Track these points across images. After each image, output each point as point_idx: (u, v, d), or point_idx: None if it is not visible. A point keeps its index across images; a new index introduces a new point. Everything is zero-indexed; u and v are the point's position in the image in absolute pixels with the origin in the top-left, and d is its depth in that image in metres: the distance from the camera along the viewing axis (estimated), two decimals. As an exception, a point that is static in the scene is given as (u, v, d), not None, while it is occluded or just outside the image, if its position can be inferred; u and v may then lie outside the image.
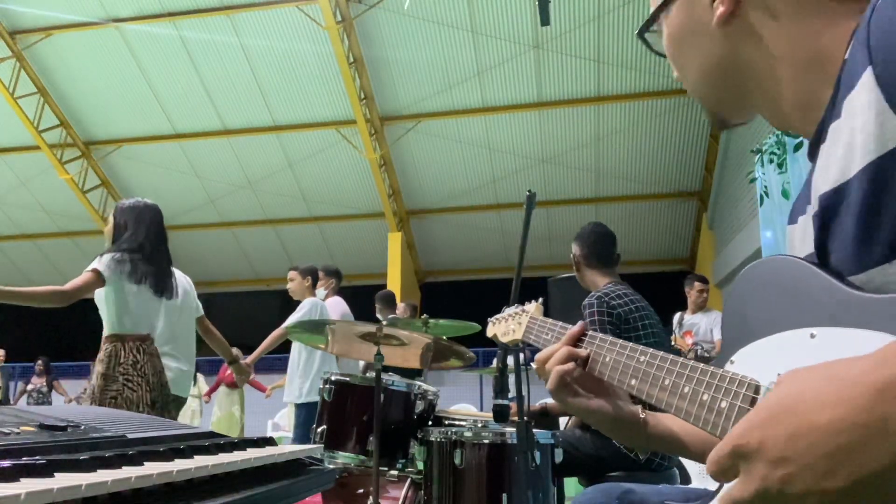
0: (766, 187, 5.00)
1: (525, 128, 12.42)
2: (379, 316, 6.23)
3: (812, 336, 0.67)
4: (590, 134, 12.40)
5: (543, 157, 12.85)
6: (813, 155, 0.75)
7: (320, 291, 5.37)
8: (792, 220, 0.85)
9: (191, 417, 9.32)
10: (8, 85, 12.20)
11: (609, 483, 1.18)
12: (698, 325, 5.78)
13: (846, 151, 0.65)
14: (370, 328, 2.52)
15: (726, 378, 0.74)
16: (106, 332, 3.10)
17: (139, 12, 11.37)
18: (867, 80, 0.61)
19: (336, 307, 5.27)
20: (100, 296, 3.12)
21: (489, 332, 1.35)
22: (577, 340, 1.03)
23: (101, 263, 3.03)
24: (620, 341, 0.95)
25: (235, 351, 4.35)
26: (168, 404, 3.10)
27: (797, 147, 4.31)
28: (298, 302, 4.97)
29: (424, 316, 4.00)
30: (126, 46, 11.83)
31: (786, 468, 0.50)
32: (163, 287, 3.22)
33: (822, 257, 0.73)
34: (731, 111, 0.86)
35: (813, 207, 0.73)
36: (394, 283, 13.52)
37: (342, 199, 14.14)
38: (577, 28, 10.66)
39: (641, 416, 1.04)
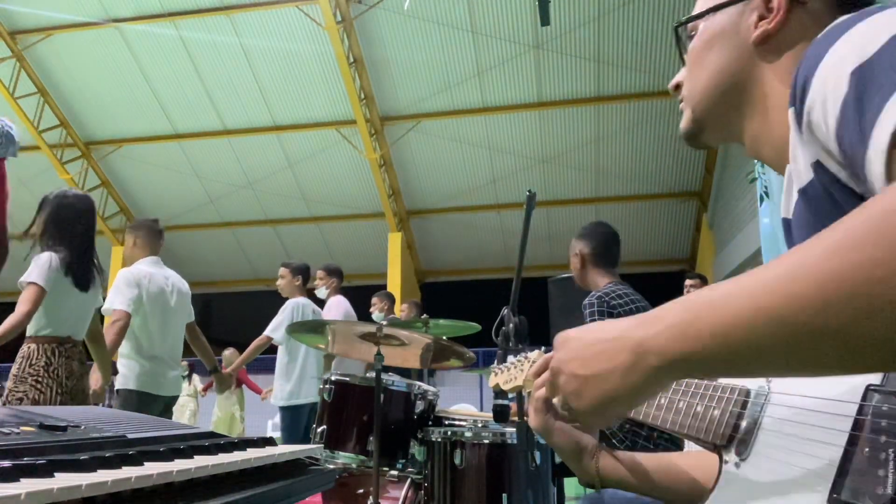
0: (766, 187, 4.98)
1: (525, 128, 12.42)
2: (374, 311, 6.19)
3: None
4: (590, 134, 12.40)
5: (543, 157, 12.86)
6: None
7: (321, 290, 5.32)
8: None
9: (189, 417, 9.30)
10: (8, 85, 12.21)
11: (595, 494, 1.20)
12: None
13: (788, 184, 0.75)
14: (370, 328, 2.52)
15: (718, 388, 0.79)
16: (27, 332, 3.02)
17: (139, 12, 11.37)
18: (790, 118, 0.70)
19: (339, 306, 5.20)
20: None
21: (491, 382, 1.36)
22: None
23: (37, 274, 2.94)
24: None
25: (230, 351, 4.33)
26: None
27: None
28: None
29: (424, 316, 4.00)
30: (126, 46, 11.84)
31: (562, 366, 0.71)
32: (85, 284, 3.11)
33: None
34: (714, 125, 0.91)
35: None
36: (394, 283, 13.52)
37: (342, 199, 14.14)
38: (577, 28, 10.66)
39: (597, 450, 1.10)
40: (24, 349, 2.98)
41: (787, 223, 0.78)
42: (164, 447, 0.84)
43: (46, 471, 0.63)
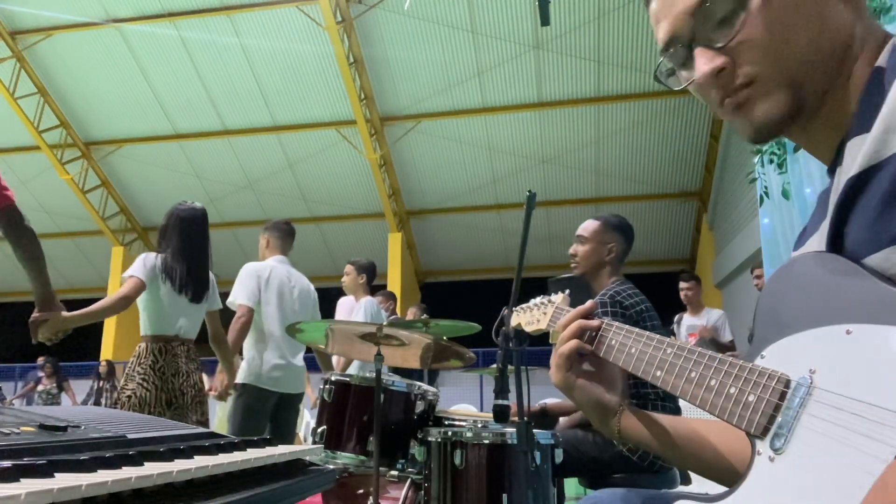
0: (766, 187, 4.98)
1: (525, 128, 12.42)
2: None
3: (848, 332, 0.66)
4: (590, 134, 12.40)
5: (543, 157, 12.86)
6: (833, 172, 0.75)
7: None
8: (799, 244, 0.84)
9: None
10: (8, 85, 12.20)
11: (618, 489, 1.18)
12: (699, 326, 5.76)
13: (877, 138, 0.65)
14: (370, 328, 2.52)
15: (755, 371, 0.74)
16: (141, 332, 3.17)
17: (139, 12, 11.37)
18: None
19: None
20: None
21: (513, 321, 1.35)
22: (588, 316, 1.06)
23: (135, 268, 3.09)
24: (647, 333, 0.95)
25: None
26: (193, 404, 3.11)
27: (797, 148, 4.30)
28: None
29: (425, 316, 4.00)
30: (126, 47, 11.84)
31: None
32: (194, 290, 3.21)
33: (836, 243, 0.73)
34: (815, 103, 0.76)
35: (835, 198, 0.72)
36: (394, 284, 13.52)
37: (342, 200, 14.14)
38: (577, 28, 10.66)
39: (619, 408, 1.04)
40: (136, 349, 3.11)
41: (857, 181, 0.68)
42: (164, 447, 0.84)
43: (46, 471, 0.63)
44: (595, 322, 1.04)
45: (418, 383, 2.66)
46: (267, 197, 14.33)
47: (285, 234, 4.03)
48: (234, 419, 3.59)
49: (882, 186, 0.65)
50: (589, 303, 1.08)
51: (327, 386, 2.62)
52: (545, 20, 8.33)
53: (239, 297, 3.66)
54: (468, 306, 6.07)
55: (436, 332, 3.68)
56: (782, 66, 0.74)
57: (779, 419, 0.71)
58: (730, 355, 0.81)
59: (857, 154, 0.68)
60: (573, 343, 1.03)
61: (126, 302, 3.01)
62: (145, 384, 2.99)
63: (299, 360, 3.82)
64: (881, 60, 0.68)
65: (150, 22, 11.40)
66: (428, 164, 13.41)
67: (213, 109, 12.75)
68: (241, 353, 3.75)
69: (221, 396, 3.53)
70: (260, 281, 3.74)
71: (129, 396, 2.96)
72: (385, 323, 2.85)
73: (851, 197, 0.69)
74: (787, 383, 0.70)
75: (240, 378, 3.66)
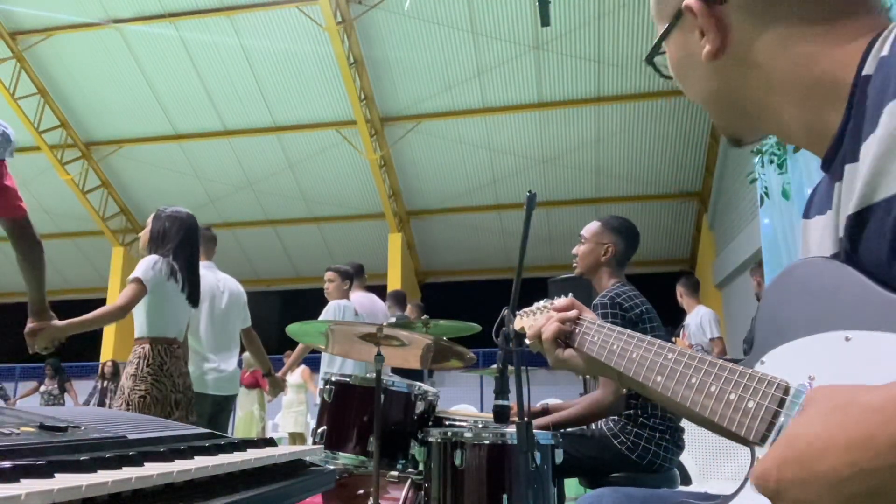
0: (766, 188, 4.99)
1: (525, 128, 12.42)
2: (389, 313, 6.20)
3: (847, 339, 0.66)
4: (590, 134, 12.40)
5: (543, 158, 12.86)
6: (827, 168, 0.75)
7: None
8: (807, 214, 0.83)
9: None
10: (8, 85, 12.21)
11: (617, 488, 1.17)
12: (689, 325, 5.79)
13: (870, 175, 0.64)
14: (370, 329, 2.52)
15: (755, 378, 0.73)
16: (137, 333, 3.19)
17: (139, 13, 11.38)
18: (892, 109, 0.60)
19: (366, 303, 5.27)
20: None
21: (517, 325, 1.36)
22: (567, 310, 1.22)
23: (142, 271, 3.11)
24: (648, 338, 0.95)
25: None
26: (190, 405, 3.19)
27: (797, 148, 4.31)
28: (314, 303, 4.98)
29: (425, 316, 3.99)
30: (126, 47, 11.84)
31: None
32: (195, 295, 3.30)
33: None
34: (741, 132, 0.87)
35: (841, 225, 0.72)
36: (394, 284, 13.51)
37: (342, 200, 14.14)
38: (577, 29, 10.66)
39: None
40: (138, 349, 3.13)
41: (854, 221, 0.68)
42: (165, 448, 0.84)
43: (46, 471, 0.63)
44: (568, 327, 1.18)
45: (418, 383, 2.66)
46: (267, 197, 14.33)
47: (208, 241, 4.08)
48: None
49: (880, 231, 0.64)
50: (568, 299, 1.23)
51: (327, 386, 2.62)
52: (545, 21, 8.34)
53: None
54: (468, 306, 6.08)
55: (436, 332, 3.68)
56: (705, 104, 0.87)
57: (777, 426, 0.70)
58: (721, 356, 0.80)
59: (853, 186, 0.67)
60: (555, 327, 1.19)
61: (125, 311, 3.03)
62: (158, 384, 3.04)
63: (232, 364, 3.94)
64: (868, 67, 0.66)
65: (150, 22, 11.41)
66: (428, 164, 13.41)
67: (213, 109, 12.75)
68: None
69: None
70: None
71: (143, 397, 3.00)
72: (386, 323, 2.85)
73: (854, 234, 0.69)
74: (787, 390, 0.70)
75: None
